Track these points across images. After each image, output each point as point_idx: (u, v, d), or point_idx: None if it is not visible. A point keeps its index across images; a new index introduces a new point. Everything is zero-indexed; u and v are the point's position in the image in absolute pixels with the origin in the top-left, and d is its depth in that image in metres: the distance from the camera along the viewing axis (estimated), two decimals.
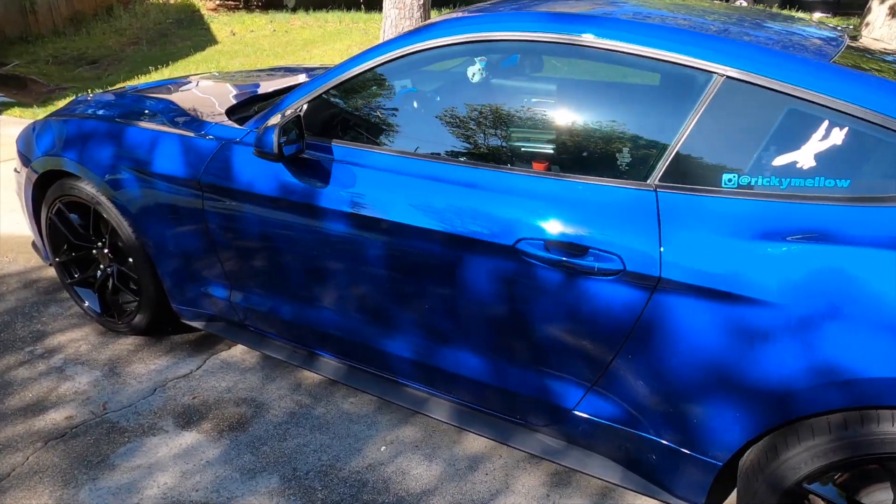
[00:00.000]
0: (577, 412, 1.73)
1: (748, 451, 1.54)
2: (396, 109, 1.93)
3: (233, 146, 2.08)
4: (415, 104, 1.91)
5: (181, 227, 2.23)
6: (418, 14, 6.88)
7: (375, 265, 1.86)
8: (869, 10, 5.18)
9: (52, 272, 3.19)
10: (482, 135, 1.82)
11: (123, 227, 2.37)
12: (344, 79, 1.92)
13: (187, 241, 2.25)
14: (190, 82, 2.97)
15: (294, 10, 9.81)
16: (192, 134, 2.18)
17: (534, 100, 1.80)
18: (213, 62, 7.47)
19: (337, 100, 1.97)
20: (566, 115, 1.71)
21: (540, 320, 1.66)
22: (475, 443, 2.16)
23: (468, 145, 1.82)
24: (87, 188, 2.38)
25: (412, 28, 1.95)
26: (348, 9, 9.84)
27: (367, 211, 1.81)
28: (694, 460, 1.58)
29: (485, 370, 1.84)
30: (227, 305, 2.31)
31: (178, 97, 2.56)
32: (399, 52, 1.83)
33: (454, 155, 1.80)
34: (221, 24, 9.10)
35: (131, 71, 7.52)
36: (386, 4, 6.87)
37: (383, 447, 2.14)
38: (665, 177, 1.52)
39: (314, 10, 9.77)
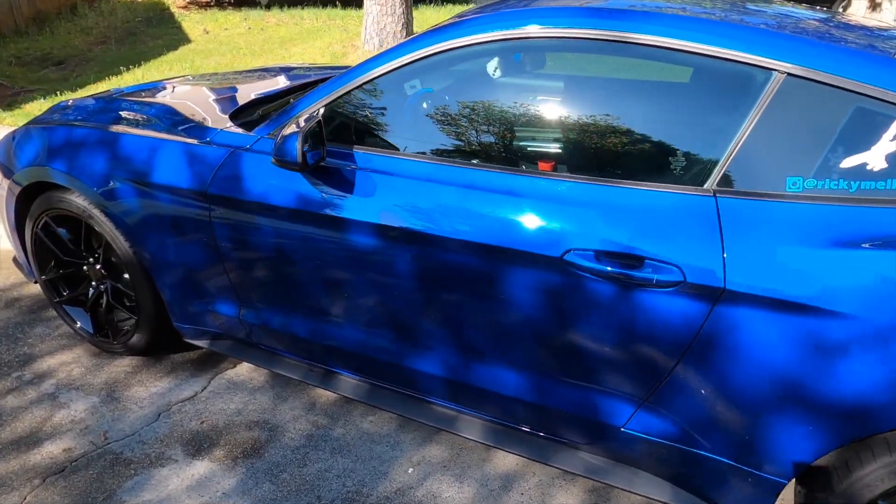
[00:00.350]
0: (626, 430, 1.64)
1: (813, 469, 1.47)
2: (425, 112, 1.81)
3: (242, 154, 1.93)
4: (445, 107, 1.79)
5: (185, 242, 2.07)
6: (400, 10, 6.74)
7: (405, 279, 1.74)
8: (849, 3, 5.21)
9: (35, 289, 2.99)
10: (522, 139, 1.71)
11: (119, 241, 2.21)
12: (365, 80, 1.79)
13: (192, 256, 2.09)
14: (179, 84, 2.81)
15: (268, 7, 9.56)
16: (195, 141, 2.03)
17: (577, 101, 1.69)
18: (188, 62, 7.22)
19: (357, 103, 1.84)
20: (613, 117, 1.61)
21: (588, 335, 1.56)
22: (505, 461, 2.06)
23: (507, 150, 1.71)
24: (78, 201, 2.21)
25: (438, 26, 1.82)
26: (324, 5, 9.63)
27: (396, 222, 1.69)
28: (755, 478, 1.50)
29: (524, 387, 1.73)
30: (236, 323, 2.17)
31: (174, 101, 2.39)
32: (425, 52, 1.71)
33: (492, 161, 1.69)
34: (193, 23, 8.82)
35: (101, 71, 7.23)
36: (367, 1, 6.71)
37: (410, 469, 2.02)
38: (724, 181, 1.44)
39: (289, 7, 9.53)
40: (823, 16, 1.77)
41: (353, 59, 6.65)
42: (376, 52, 6.70)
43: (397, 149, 1.80)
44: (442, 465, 2.04)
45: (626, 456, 1.69)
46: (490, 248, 1.59)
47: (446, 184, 1.66)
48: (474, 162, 1.69)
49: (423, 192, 1.68)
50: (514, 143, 1.72)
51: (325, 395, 2.33)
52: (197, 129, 2.09)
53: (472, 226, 1.61)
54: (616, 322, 1.52)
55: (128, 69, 7.14)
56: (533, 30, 1.59)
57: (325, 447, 2.10)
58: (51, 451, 2.08)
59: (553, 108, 1.68)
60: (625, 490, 1.72)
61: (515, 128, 1.72)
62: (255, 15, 9.12)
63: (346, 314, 1.91)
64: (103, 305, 2.47)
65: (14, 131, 2.54)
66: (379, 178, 1.74)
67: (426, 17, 8.38)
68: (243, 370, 2.48)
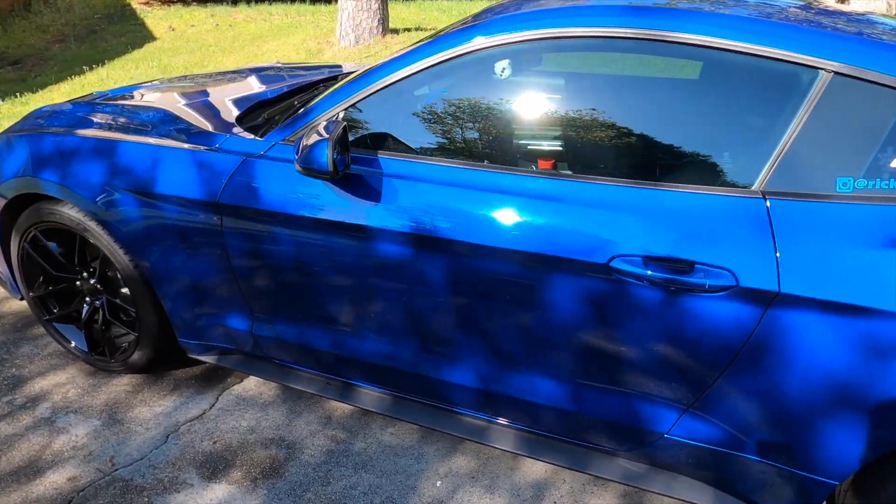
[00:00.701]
0: (669, 436, 1.61)
1: (863, 472, 1.46)
2: (455, 115, 1.74)
3: (256, 161, 1.84)
4: (475, 109, 1.72)
5: (193, 254, 1.97)
6: (376, 6, 6.63)
7: (437, 288, 1.68)
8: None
9: (16, 305, 2.82)
10: (561, 142, 1.66)
11: (118, 255, 2.08)
12: (389, 82, 1.72)
13: (200, 269, 1.99)
14: (168, 87, 2.68)
15: (235, 2, 9.30)
16: (202, 148, 1.92)
17: (618, 103, 1.65)
18: (155, 60, 6.97)
19: (379, 107, 1.76)
20: (655, 119, 1.57)
21: (633, 342, 1.53)
22: (533, 469, 2.02)
23: (546, 154, 1.65)
24: (72, 213, 2.08)
25: (460, 24, 1.76)
26: (292, 1, 9.42)
27: (427, 230, 1.63)
28: (803, 480, 1.49)
29: (562, 396, 1.69)
30: (247, 337, 2.07)
31: (169, 106, 2.27)
32: (454, 52, 1.64)
33: (530, 165, 1.64)
34: (157, 19, 8.53)
35: (62, 71, 6.93)
36: None
37: (438, 482, 1.97)
38: (772, 182, 1.41)
39: (256, 2, 9.30)
40: (859, 14, 1.76)
41: (329, 56, 6.52)
42: (351, 48, 6.59)
43: (423, 153, 1.73)
44: (470, 476, 1.99)
45: (666, 461, 1.67)
46: (530, 256, 1.54)
47: (480, 189, 1.60)
48: (510, 167, 1.63)
49: (454, 199, 1.61)
50: (553, 146, 1.67)
51: (340, 408, 2.26)
52: (202, 135, 1.98)
53: (509, 233, 1.55)
54: (663, 328, 1.48)
55: (91, 68, 6.87)
56: (575, 29, 1.54)
57: (348, 463, 2.03)
58: (54, 480, 1.95)
59: (592, 110, 1.63)
60: (664, 495, 1.70)
61: (554, 130, 1.67)
62: (221, 11, 8.87)
63: (370, 325, 1.84)
64: (99, 322, 2.34)
65: None
66: (406, 184, 1.67)
67: (397, 13, 8.26)
68: (251, 385, 2.38)
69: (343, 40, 6.66)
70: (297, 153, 1.64)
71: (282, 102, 2.32)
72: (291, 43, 7.01)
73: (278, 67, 3.10)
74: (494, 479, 1.98)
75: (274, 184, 1.79)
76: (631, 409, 1.64)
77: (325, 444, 2.10)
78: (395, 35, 6.82)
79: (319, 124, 1.73)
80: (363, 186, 1.70)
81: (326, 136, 1.58)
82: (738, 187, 1.44)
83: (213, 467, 2.01)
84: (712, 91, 1.54)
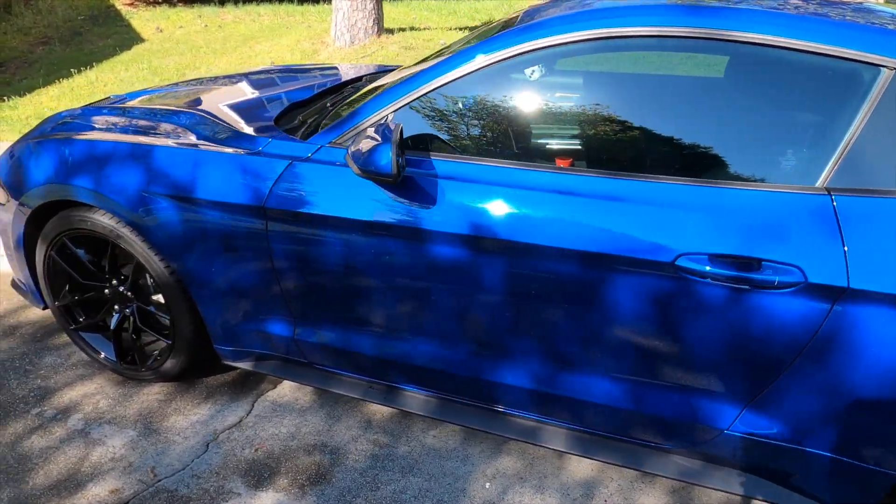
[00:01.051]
0: (729, 431, 1.63)
1: None
2: (511, 115, 1.74)
3: (303, 165, 1.81)
4: (534, 108, 1.72)
5: (235, 260, 1.94)
6: (371, 6, 6.59)
7: (495, 290, 1.67)
8: None
9: (34, 315, 2.76)
10: (623, 141, 1.66)
11: (153, 261, 2.04)
12: (441, 83, 1.71)
13: (242, 275, 1.96)
14: (192, 90, 2.63)
15: (222, 2, 9.18)
16: (243, 151, 1.89)
17: (679, 101, 1.66)
18: (145, 62, 6.86)
19: (432, 107, 1.75)
20: (717, 118, 1.58)
21: (696, 339, 1.54)
22: (580, 467, 2.02)
23: (608, 153, 1.65)
24: (104, 219, 2.04)
25: (514, 24, 1.75)
26: (280, 1, 9.33)
27: (486, 232, 1.62)
28: (866, 473, 1.52)
29: (620, 395, 1.70)
30: (289, 342, 2.05)
31: (200, 109, 2.23)
32: (510, 52, 1.64)
33: (591, 164, 1.64)
34: (144, 21, 8.39)
35: (48, 74, 6.78)
36: None
37: (487, 483, 1.96)
38: (836, 178, 1.43)
39: (244, 2, 9.19)
40: None
41: (324, 57, 6.46)
42: (347, 49, 6.55)
43: (480, 154, 1.72)
44: (518, 476, 1.99)
45: (724, 457, 1.68)
46: (591, 256, 1.55)
47: (540, 190, 1.60)
48: (571, 167, 1.63)
49: (514, 200, 1.61)
50: (614, 145, 1.67)
51: (379, 411, 2.24)
52: (242, 138, 1.95)
53: (571, 233, 1.55)
54: (728, 325, 1.50)
55: (79, 71, 6.74)
56: (633, 28, 1.54)
57: (394, 467, 2.01)
58: (97, 493, 1.91)
59: (654, 110, 1.64)
60: (722, 491, 1.71)
61: (614, 130, 1.67)
62: (209, 12, 8.75)
63: (422, 328, 1.83)
64: (129, 330, 2.29)
65: (11, 148, 2.32)
66: (461, 185, 1.67)
67: (387, 13, 8.21)
68: (286, 390, 2.35)
69: (338, 40, 6.61)
70: (351, 156, 1.62)
71: (314, 104, 2.29)
72: (285, 44, 6.94)
73: (299, 69, 3.07)
74: (542, 478, 1.98)
75: (324, 187, 1.77)
76: (690, 406, 1.65)
77: (369, 449, 2.08)
78: (391, 35, 6.79)
79: (369, 127, 1.71)
80: (418, 189, 1.68)
81: (385, 139, 1.57)
82: (803, 184, 1.46)
83: (258, 475, 1.98)
84: (774, 89, 1.56)
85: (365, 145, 1.61)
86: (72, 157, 2.07)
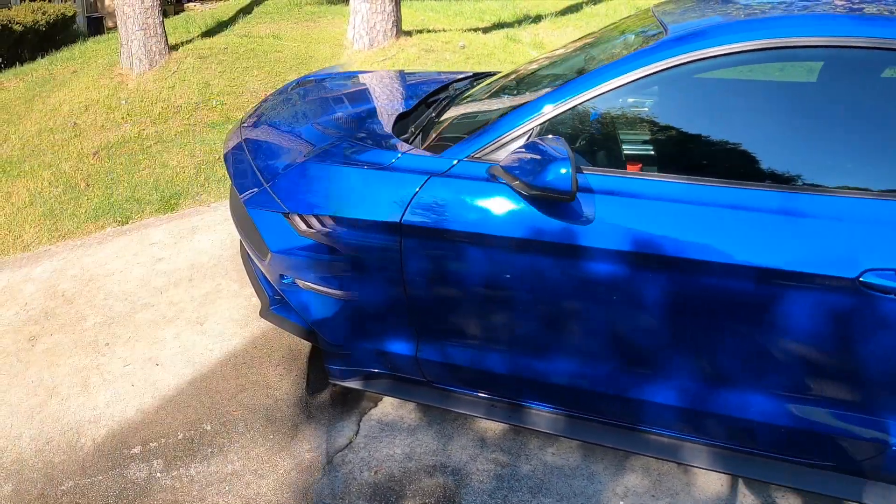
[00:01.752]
0: None
1: None
2: (667, 127, 1.69)
3: (441, 180, 1.75)
4: (694, 120, 1.68)
5: (363, 278, 1.86)
6: (390, 8, 6.51)
7: (654, 308, 1.63)
8: None
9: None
10: (797, 153, 1.63)
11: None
12: (591, 95, 1.66)
13: (369, 293, 1.88)
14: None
15: None
16: (377, 166, 1.82)
17: (853, 110, 1.62)
18: None
19: (582, 120, 1.70)
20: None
21: (878, 356, 1.51)
22: (707, 482, 1.99)
23: (779, 166, 1.61)
24: None
25: (652, 39, 1.71)
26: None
27: (650, 248, 1.57)
28: None
29: (784, 413, 1.66)
30: (409, 361, 1.98)
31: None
32: (670, 63, 1.60)
33: (761, 178, 1.60)
34: None
35: None
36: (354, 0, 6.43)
37: (621, 502, 1.92)
38: None
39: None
40: None
41: (344, 59, 6.36)
42: (367, 51, 6.45)
43: (635, 167, 1.68)
44: (649, 493, 1.95)
45: (890, 474, 1.66)
46: (766, 272, 1.51)
47: (707, 205, 1.56)
48: (741, 181, 1.59)
49: (678, 216, 1.57)
50: (787, 157, 1.63)
51: (490, 428, 2.18)
52: (373, 151, 1.88)
53: (742, 250, 1.51)
54: None
55: None
56: (810, 38, 1.51)
57: (521, 487, 1.96)
58: None
59: (826, 118, 1.60)
60: None
61: (788, 143, 1.64)
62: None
63: (566, 346, 1.77)
64: None
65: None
66: (622, 200, 1.62)
67: (403, 15, 8.13)
68: (388, 408, 2.28)
69: (357, 43, 6.52)
70: (505, 170, 1.57)
71: (416, 113, 2.23)
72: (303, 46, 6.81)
73: (384, 75, 2.99)
74: (674, 495, 1.95)
75: (468, 203, 1.71)
76: (860, 424, 1.62)
77: (491, 468, 2.03)
78: (409, 37, 6.71)
79: (511, 141, 1.66)
80: (577, 204, 1.63)
81: (559, 155, 1.51)
82: None
83: (384, 499, 1.91)
84: None
85: (527, 160, 1.55)
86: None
